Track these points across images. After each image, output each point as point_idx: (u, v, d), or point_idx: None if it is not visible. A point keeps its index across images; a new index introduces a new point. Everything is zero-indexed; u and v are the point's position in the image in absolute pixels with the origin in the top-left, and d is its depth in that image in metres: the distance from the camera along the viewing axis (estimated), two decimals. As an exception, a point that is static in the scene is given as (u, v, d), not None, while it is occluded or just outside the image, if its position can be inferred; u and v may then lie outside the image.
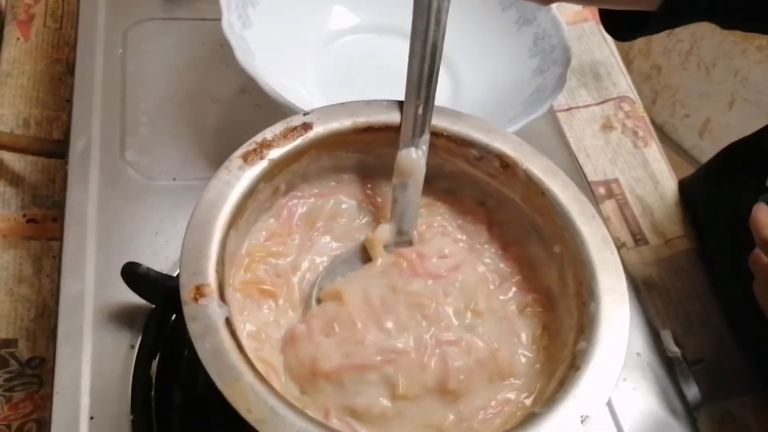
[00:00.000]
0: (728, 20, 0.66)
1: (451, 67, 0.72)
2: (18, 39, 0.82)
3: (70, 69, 0.78)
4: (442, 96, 0.69)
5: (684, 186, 0.81)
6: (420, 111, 0.48)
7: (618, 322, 0.42)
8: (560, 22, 0.67)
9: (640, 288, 0.71)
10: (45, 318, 0.64)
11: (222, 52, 0.69)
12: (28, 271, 0.67)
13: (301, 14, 0.71)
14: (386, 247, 0.50)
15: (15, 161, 0.73)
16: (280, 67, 0.67)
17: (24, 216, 0.70)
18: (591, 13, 0.94)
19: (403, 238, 0.50)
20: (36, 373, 0.62)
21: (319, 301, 0.47)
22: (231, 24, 0.61)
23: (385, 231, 0.50)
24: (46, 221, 0.70)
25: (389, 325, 0.45)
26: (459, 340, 0.44)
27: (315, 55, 0.72)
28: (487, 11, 0.72)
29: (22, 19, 0.84)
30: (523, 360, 0.46)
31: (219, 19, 0.62)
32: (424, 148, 0.49)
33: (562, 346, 0.45)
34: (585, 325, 0.43)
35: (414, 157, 0.49)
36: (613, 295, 0.44)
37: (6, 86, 0.78)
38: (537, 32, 0.69)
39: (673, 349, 0.60)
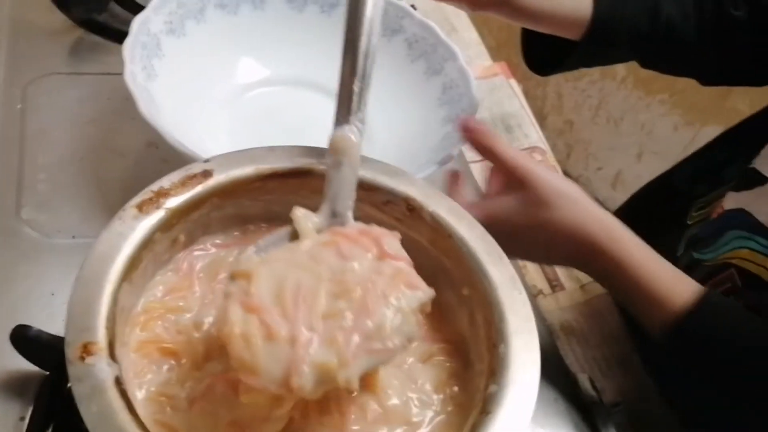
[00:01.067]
0: (647, 57, 0.69)
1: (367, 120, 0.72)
2: None
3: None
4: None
5: None
6: (356, 87, 0.47)
7: (528, 362, 0.42)
8: (467, 72, 0.69)
9: (558, 334, 0.71)
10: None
11: (128, 106, 0.67)
12: None
13: (209, 66, 0.70)
14: (319, 231, 0.46)
15: None
16: (187, 121, 0.65)
17: None
18: (500, 68, 0.97)
19: (337, 221, 0.46)
20: None
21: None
22: (134, 75, 0.60)
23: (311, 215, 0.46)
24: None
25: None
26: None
27: (225, 108, 0.71)
28: (397, 62, 0.73)
29: None
30: (419, 408, 0.44)
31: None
32: (360, 125, 0.47)
33: (474, 392, 0.44)
34: (495, 369, 0.42)
35: (348, 135, 0.46)
36: (522, 336, 0.43)
37: None
38: (445, 82, 0.70)
39: (591, 393, 0.59)
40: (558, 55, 0.69)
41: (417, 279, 0.42)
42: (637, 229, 0.56)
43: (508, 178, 0.57)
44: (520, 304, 0.44)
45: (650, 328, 0.55)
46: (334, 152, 0.47)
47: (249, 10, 0.71)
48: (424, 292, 0.42)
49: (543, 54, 0.71)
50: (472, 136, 0.58)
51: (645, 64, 0.71)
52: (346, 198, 0.46)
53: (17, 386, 0.51)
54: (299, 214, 0.45)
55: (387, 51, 0.73)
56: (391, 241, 0.44)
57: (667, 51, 0.69)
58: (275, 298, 0.40)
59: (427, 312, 0.43)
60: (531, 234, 0.56)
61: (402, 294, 0.41)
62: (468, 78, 0.68)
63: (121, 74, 0.61)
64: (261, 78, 0.73)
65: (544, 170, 0.56)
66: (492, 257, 0.46)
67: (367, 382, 0.44)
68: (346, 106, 0.47)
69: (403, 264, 0.43)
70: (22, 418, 0.50)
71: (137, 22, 0.63)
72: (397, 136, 0.70)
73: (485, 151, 0.58)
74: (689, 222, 0.75)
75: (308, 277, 0.41)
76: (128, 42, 0.62)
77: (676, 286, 0.54)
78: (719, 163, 0.75)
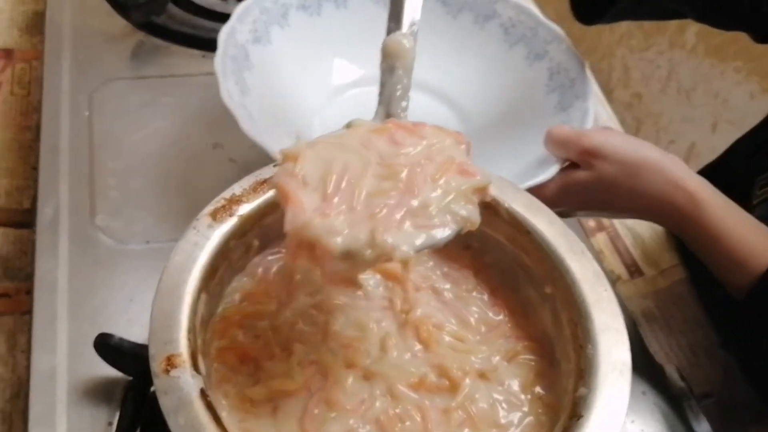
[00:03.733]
0: (696, 5, 0.65)
1: (463, 114, 0.69)
2: (-16, 109, 0.81)
3: (38, 136, 0.76)
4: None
5: None
6: None
7: (618, 363, 0.40)
8: (576, 54, 0.64)
9: (640, 322, 0.69)
10: (21, 398, 0.61)
11: (192, 107, 0.68)
12: (1, 348, 0.64)
13: (299, 71, 0.68)
14: None
15: (-16, 234, 0.71)
16: (283, 129, 0.63)
17: (-5, 291, 0.67)
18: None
19: None
20: (12, 459, 0.58)
21: None
22: (230, 93, 0.57)
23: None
24: (19, 294, 0.68)
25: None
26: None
27: (319, 111, 0.69)
28: (493, 49, 0.69)
29: (-12, 88, 0.82)
30: (506, 410, 0.43)
31: (189, 75, 0.60)
32: (414, 29, 0.48)
33: (562, 393, 0.42)
34: (584, 370, 0.40)
35: (401, 40, 0.47)
36: (610, 335, 0.41)
37: (-27, 157, 0.76)
38: (551, 66, 0.66)
39: (679, 385, 0.57)
40: (605, 2, 0.66)
41: (472, 167, 0.41)
42: None
43: (583, 159, 0.56)
44: (606, 302, 0.42)
45: (735, 291, 0.54)
46: (387, 57, 0.48)
47: (332, 9, 0.68)
48: (479, 179, 0.41)
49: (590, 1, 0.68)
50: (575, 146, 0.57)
51: (696, 15, 0.68)
52: (400, 100, 0.48)
53: (103, 392, 0.52)
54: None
55: (481, 38, 0.69)
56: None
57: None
58: (320, 179, 0.39)
59: (486, 200, 0.42)
60: (611, 203, 0.56)
61: (453, 178, 0.40)
62: (577, 59, 0.64)
63: (183, 76, 0.61)
64: (355, 78, 0.70)
65: (619, 141, 0.56)
66: (574, 253, 0.44)
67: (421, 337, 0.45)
68: (398, 13, 0.48)
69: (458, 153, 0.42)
70: (110, 423, 0.51)
71: (224, 34, 0.61)
72: (505, 133, 0.65)
73: (557, 145, 0.57)
74: (753, 202, 0.71)
75: (356, 160, 0.40)
76: (218, 57, 0.59)
77: (762, 247, 0.53)
78: None
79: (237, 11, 0.64)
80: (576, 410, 0.39)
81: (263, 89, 0.63)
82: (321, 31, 0.68)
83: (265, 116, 0.60)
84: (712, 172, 0.80)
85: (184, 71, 0.61)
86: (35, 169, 0.75)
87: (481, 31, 0.69)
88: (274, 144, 0.54)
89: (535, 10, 0.69)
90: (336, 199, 0.38)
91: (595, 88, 0.89)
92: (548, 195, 0.55)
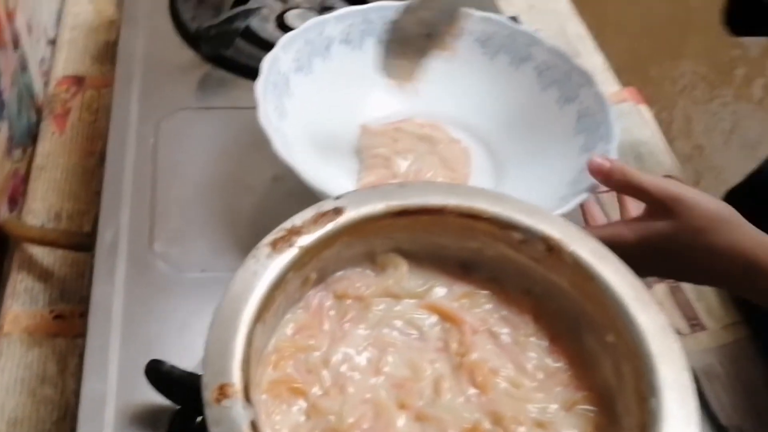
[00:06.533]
0: None
1: (492, 149, 0.70)
2: (53, 133, 0.83)
3: (102, 161, 0.78)
4: (486, 179, 0.67)
5: None
6: None
7: (684, 418, 0.38)
8: (604, 99, 0.65)
9: (701, 378, 0.66)
10: (67, 421, 0.61)
11: (254, 140, 0.68)
12: (52, 370, 0.65)
13: (338, 102, 0.70)
14: None
15: (44, 256, 0.72)
16: (319, 157, 0.65)
17: (51, 312, 0.68)
18: (629, 94, 0.93)
19: None
20: (57, 482, 0.58)
21: None
22: (267, 115, 0.60)
23: None
24: (73, 317, 0.69)
25: None
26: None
27: (353, 139, 0.70)
28: (527, 91, 0.70)
29: (58, 113, 0.85)
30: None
31: (252, 108, 0.61)
32: None
33: (624, 449, 0.40)
34: (647, 425, 0.38)
35: None
36: (676, 389, 0.39)
37: (39, 180, 0.78)
38: (580, 109, 0.66)
39: (745, 447, 0.54)
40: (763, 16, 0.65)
41: None
42: None
43: (654, 205, 0.54)
44: (674, 355, 0.40)
45: None
46: None
47: (373, 45, 0.70)
48: None
49: (746, 13, 0.66)
50: (604, 176, 0.56)
51: None
52: None
53: (151, 419, 0.52)
54: None
55: (516, 80, 0.70)
56: None
57: None
58: None
59: None
60: (691, 259, 0.54)
61: None
62: (604, 104, 0.65)
63: (247, 108, 0.62)
64: (388, 112, 0.71)
65: (695, 193, 0.54)
66: (640, 303, 0.42)
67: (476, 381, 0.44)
68: None
69: None
70: (155, 451, 0.51)
71: (267, 62, 0.64)
72: (532, 170, 0.67)
73: (623, 186, 0.55)
74: None
75: None
76: (260, 82, 0.62)
77: None
78: None
79: (282, 41, 0.66)
80: (639, 467, 0.37)
81: (302, 116, 0.65)
82: (362, 65, 0.70)
83: (302, 142, 0.63)
84: (743, 191, 0.78)
85: (249, 104, 0.61)
86: (98, 193, 0.76)
87: (515, 73, 0.71)
88: (307, 168, 0.57)
89: (569, 54, 0.69)
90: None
91: (661, 140, 0.88)
92: (625, 244, 0.54)
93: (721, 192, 0.83)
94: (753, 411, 0.64)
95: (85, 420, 0.51)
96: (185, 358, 0.55)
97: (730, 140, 1.45)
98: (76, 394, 0.61)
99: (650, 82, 1.45)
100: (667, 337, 0.41)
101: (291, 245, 0.44)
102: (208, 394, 0.37)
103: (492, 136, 0.70)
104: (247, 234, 0.64)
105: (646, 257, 0.54)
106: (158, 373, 0.51)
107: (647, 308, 0.42)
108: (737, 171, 1.50)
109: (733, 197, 0.83)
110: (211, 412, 0.37)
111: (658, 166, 0.84)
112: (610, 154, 0.60)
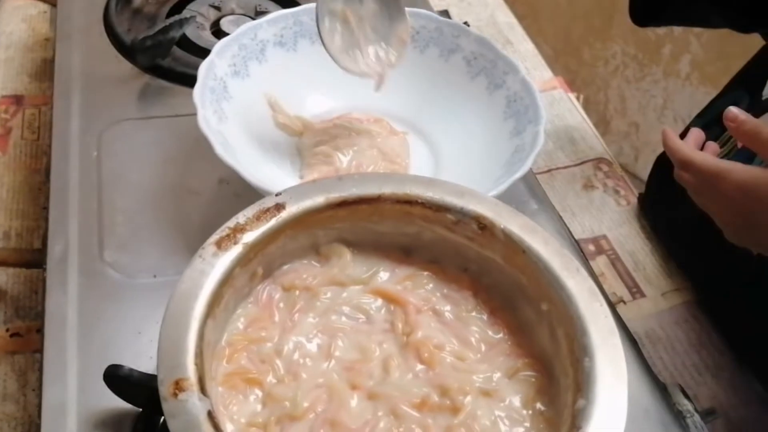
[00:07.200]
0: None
1: (429, 140, 0.73)
2: (-4, 153, 0.83)
3: (48, 177, 0.78)
4: (425, 169, 0.69)
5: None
6: None
7: (615, 375, 0.41)
8: (530, 83, 0.68)
9: (644, 342, 0.69)
10: (31, 435, 0.62)
11: (197, 145, 0.69)
12: (12, 387, 0.65)
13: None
14: None
15: (-4, 275, 0.72)
16: (260, 157, 0.67)
17: (7, 330, 0.69)
18: (559, 82, 0.96)
19: None
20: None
21: None
22: (207, 120, 0.62)
23: None
24: (30, 333, 0.69)
25: None
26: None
27: (294, 142, 0.72)
28: (457, 81, 0.73)
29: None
30: (508, 426, 0.44)
31: (193, 115, 0.62)
32: None
33: (562, 407, 0.43)
34: (582, 383, 0.41)
35: None
36: (607, 349, 0.42)
37: (-15, 201, 0.78)
38: (508, 95, 0.69)
39: (683, 402, 0.57)
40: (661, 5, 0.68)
41: None
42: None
43: None
44: (601, 316, 0.43)
45: None
46: None
47: (307, 46, 0.72)
48: None
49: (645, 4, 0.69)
50: (738, 125, 0.56)
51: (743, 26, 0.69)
52: None
53: (113, 424, 0.53)
54: None
55: (446, 71, 0.73)
56: None
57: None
58: None
59: None
60: None
61: None
62: (531, 89, 0.68)
63: (188, 115, 0.63)
64: (326, 109, 0.74)
65: None
66: (569, 270, 0.45)
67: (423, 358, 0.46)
68: None
69: None
70: (120, 455, 0.52)
71: (203, 68, 0.65)
72: (466, 155, 0.69)
73: (752, 137, 0.55)
74: None
75: None
76: (197, 88, 0.63)
77: None
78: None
79: (216, 47, 0.68)
80: (575, 423, 0.39)
81: (241, 118, 0.67)
82: (297, 66, 0.72)
83: (243, 143, 0.65)
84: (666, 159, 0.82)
85: (189, 110, 0.62)
86: (45, 209, 0.76)
87: (446, 64, 0.73)
88: (250, 169, 0.59)
89: (494, 44, 0.72)
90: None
91: (591, 126, 0.91)
92: (733, 182, 0.53)
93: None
94: (691, 366, 0.67)
95: (47, 430, 0.52)
96: (143, 361, 0.56)
97: (663, 116, 1.50)
98: (39, 408, 0.62)
99: (585, 64, 1.50)
100: (595, 300, 0.44)
101: (236, 243, 0.46)
102: (164, 389, 0.39)
103: (428, 126, 0.73)
104: (196, 237, 0.65)
105: (746, 205, 0.52)
106: (117, 378, 0.52)
107: (575, 275, 0.45)
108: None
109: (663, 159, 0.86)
110: (168, 407, 0.38)
111: (591, 150, 0.88)
112: (538, 135, 0.63)
